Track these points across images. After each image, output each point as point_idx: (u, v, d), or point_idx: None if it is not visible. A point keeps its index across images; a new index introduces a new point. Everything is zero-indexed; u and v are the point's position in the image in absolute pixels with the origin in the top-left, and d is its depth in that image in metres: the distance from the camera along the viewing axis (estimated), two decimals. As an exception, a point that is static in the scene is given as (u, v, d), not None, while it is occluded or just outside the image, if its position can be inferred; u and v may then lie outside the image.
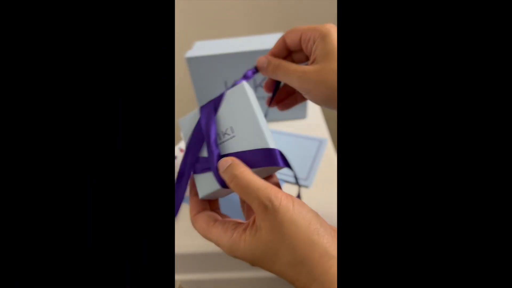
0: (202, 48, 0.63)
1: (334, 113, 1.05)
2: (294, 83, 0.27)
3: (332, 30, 0.26)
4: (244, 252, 0.22)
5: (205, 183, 0.25)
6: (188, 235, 0.43)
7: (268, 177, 0.30)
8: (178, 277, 0.46)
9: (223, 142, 0.26)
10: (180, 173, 0.27)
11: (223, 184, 0.25)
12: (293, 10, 0.97)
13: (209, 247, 0.42)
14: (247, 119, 0.25)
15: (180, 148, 0.50)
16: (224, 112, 0.26)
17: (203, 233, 0.25)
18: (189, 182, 0.27)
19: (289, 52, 0.30)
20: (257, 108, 0.26)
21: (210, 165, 0.25)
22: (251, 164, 0.24)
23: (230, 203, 0.44)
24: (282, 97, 0.34)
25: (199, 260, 0.43)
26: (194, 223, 0.26)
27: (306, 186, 0.49)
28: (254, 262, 0.22)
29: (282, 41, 0.29)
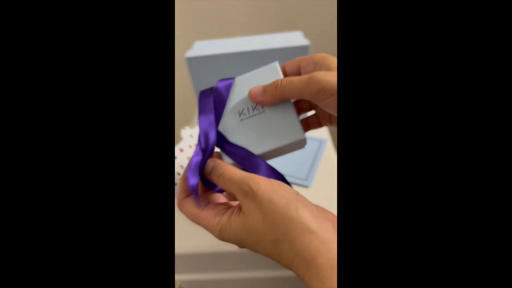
0: (202, 48, 0.63)
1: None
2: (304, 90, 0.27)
3: (328, 57, 0.26)
4: (230, 235, 0.23)
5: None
6: (188, 235, 0.43)
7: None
8: (178, 277, 0.46)
9: (252, 116, 0.26)
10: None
11: (211, 186, 0.26)
12: (293, 10, 0.97)
13: (209, 247, 0.42)
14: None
15: (180, 148, 0.50)
16: (253, 85, 0.27)
17: (192, 218, 0.25)
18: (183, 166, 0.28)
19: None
20: None
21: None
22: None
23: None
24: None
25: (199, 260, 0.43)
26: (181, 207, 0.26)
27: (306, 186, 0.49)
28: (241, 244, 0.23)
29: (283, 70, 0.28)
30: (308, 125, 0.31)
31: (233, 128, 0.26)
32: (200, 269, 0.45)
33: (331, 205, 0.43)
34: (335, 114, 0.23)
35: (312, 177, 0.50)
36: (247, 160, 0.26)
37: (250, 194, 0.22)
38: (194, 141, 0.52)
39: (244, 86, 0.27)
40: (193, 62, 0.59)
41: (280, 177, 0.26)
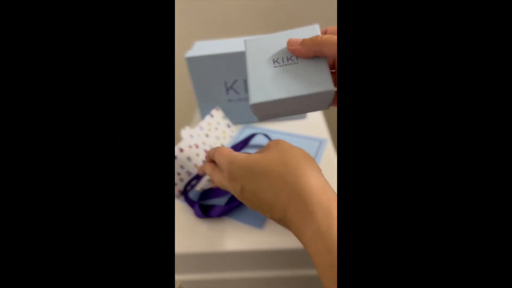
0: (202, 48, 0.63)
1: (334, 113, 1.05)
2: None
3: None
4: (240, 165, 0.27)
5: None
6: (188, 235, 0.43)
7: None
8: (178, 277, 0.46)
9: (286, 65, 0.28)
10: None
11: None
12: (293, 10, 0.97)
13: (209, 247, 0.42)
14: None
15: (180, 148, 0.50)
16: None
17: (207, 158, 0.31)
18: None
19: None
20: None
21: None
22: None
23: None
24: None
25: (199, 260, 0.43)
26: (204, 168, 0.31)
27: (306, 186, 0.49)
28: (246, 176, 0.26)
29: (323, 32, 0.30)
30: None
31: (265, 73, 0.28)
32: (200, 269, 0.44)
33: (331, 205, 0.43)
34: None
35: (312, 177, 0.50)
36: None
37: (275, 142, 0.27)
38: (194, 141, 0.52)
39: (283, 39, 0.29)
40: (193, 62, 0.59)
41: None
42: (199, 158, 0.50)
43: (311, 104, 0.27)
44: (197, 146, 0.51)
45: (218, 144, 0.57)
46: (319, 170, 0.26)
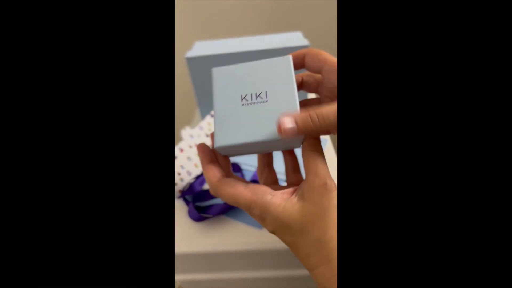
0: (202, 48, 0.63)
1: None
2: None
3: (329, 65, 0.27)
4: (278, 216, 0.23)
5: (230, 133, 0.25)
6: (188, 235, 0.43)
7: (268, 177, 0.30)
8: (178, 277, 0.46)
9: (254, 103, 0.26)
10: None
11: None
12: (293, 10, 0.97)
13: (209, 247, 0.42)
14: (285, 92, 0.26)
15: (180, 148, 0.50)
16: (260, 74, 0.27)
17: (232, 199, 0.25)
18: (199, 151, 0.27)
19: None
20: (295, 86, 0.26)
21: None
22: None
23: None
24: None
25: (199, 260, 0.43)
26: (219, 189, 0.25)
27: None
28: (281, 228, 0.24)
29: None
30: None
31: (232, 112, 0.26)
32: (200, 269, 0.44)
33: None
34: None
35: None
36: None
37: (329, 188, 0.23)
38: (194, 141, 0.52)
39: (253, 70, 0.27)
40: (193, 62, 0.59)
41: None
42: (199, 158, 0.50)
43: (281, 145, 0.26)
44: (197, 146, 0.51)
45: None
46: None
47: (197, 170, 0.49)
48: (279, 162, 0.37)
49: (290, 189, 0.25)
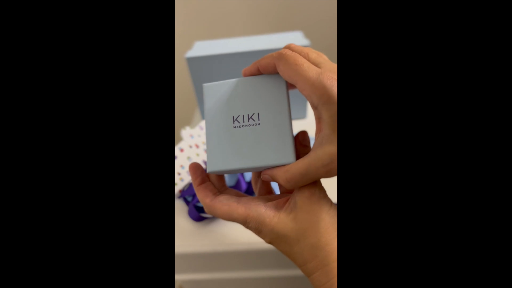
0: (202, 48, 0.63)
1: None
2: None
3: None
4: (274, 227, 0.24)
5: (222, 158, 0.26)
6: (188, 235, 0.43)
7: (262, 188, 0.31)
8: (178, 277, 0.46)
9: (246, 126, 0.25)
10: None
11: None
12: (293, 10, 0.97)
13: (209, 247, 0.42)
14: (278, 116, 0.25)
15: (180, 148, 0.50)
16: (253, 94, 0.26)
17: (228, 216, 0.25)
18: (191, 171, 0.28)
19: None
20: (289, 108, 0.26)
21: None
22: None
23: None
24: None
25: (199, 260, 0.43)
26: (213, 208, 0.26)
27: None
28: (278, 239, 0.24)
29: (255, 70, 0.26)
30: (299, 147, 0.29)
31: (224, 135, 0.26)
32: (200, 269, 0.45)
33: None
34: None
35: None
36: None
37: (308, 202, 0.23)
38: (194, 141, 0.52)
39: (244, 88, 0.26)
40: (193, 62, 0.59)
41: None
42: (199, 158, 0.50)
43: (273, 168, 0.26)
44: (197, 146, 0.51)
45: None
46: None
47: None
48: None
49: (283, 199, 0.26)
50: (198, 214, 0.44)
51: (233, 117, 0.26)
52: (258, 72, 0.26)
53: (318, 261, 0.22)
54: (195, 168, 0.28)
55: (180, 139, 0.53)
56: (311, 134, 0.62)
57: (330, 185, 0.49)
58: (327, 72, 0.21)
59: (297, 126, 0.66)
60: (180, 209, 0.47)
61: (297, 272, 0.44)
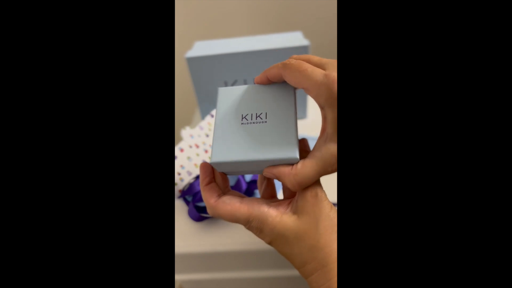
0: (202, 48, 0.63)
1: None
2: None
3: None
4: (276, 226, 0.24)
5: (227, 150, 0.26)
6: (188, 235, 0.43)
7: (266, 191, 0.31)
8: (178, 277, 0.46)
9: (253, 123, 0.27)
10: None
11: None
12: (293, 10, 0.97)
13: (209, 247, 0.42)
14: (285, 116, 0.27)
15: (180, 148, 0.50)
16: (263, 97, 0.28)
17: (230, 215, 0.26)
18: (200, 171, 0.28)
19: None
20: (295, 111, 0.27)
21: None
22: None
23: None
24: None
25: (199, 260, 0.43)
26: (217, 209, 0.26)
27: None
28: (278, 239, 0.24)
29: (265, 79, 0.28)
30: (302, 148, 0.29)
31: (231, 130, 0.27)
32: (200, 269, 0.45)
33: (331, 205, 0.43)
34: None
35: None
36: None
37: (319, 198, 0.24)
38: (194, 141, 0.52)
39: (256, 92, 0.28)
40: (193, 62, 0.59)
41: None
42: (199, 158, 0.50)
43: (275, 163, 0.26)
44: (197, 146, 0.51)
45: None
46: None
47: (197, 170, 0.49)
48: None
49: (286, 201, 0.26)
50: (198, 214, 0.44)
51: (242, 115, 0.27)
52: (268, 81, 0.27)
53: (317, 262, 0.23)
54: (206, 168, 0.28)
55: (180, 139, 0.53)
56: (311, 134, 0.62)
57: (330, 185, 0.49)
58: (332, 73, 0.22)
59: (298, 125, 0.66)
60: (180, 209, 0.47)
61: (297, 272, 0.44)
